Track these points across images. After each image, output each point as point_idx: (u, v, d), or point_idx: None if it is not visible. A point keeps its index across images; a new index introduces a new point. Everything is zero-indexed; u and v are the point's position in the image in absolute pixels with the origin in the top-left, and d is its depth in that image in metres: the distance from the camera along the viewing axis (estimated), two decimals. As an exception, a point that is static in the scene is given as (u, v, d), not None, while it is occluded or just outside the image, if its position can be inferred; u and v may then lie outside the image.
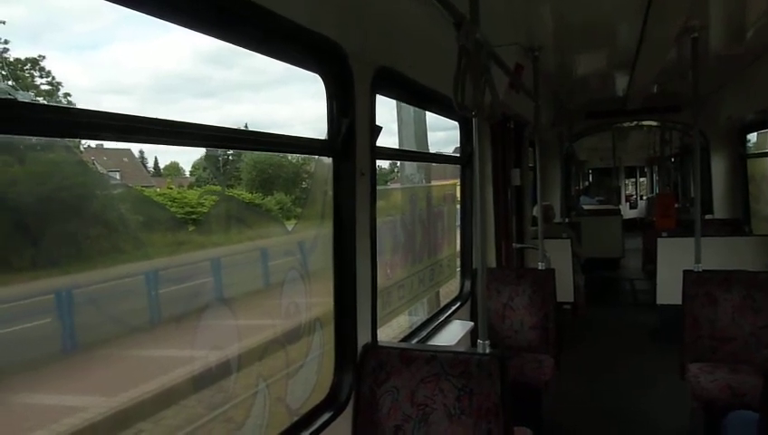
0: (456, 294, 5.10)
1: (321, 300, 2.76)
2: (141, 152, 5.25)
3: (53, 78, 2.89)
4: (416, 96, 3.88)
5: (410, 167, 5.25)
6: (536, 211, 7.42)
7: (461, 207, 5.13)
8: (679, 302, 4.55)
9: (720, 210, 8.64)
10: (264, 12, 1.96)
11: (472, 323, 4.58)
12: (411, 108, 4.93)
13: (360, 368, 2.76)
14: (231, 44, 2.04)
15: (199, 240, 2.33)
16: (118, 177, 4.26)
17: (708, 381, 4.03)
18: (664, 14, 4.07)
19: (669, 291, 5.46)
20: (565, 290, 6.40)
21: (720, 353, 4.31)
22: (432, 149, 5.67)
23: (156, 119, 1.71)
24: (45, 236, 1.75)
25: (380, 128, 2.92)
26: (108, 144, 2.78)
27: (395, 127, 5.11)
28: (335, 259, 2.75)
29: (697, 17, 4.39)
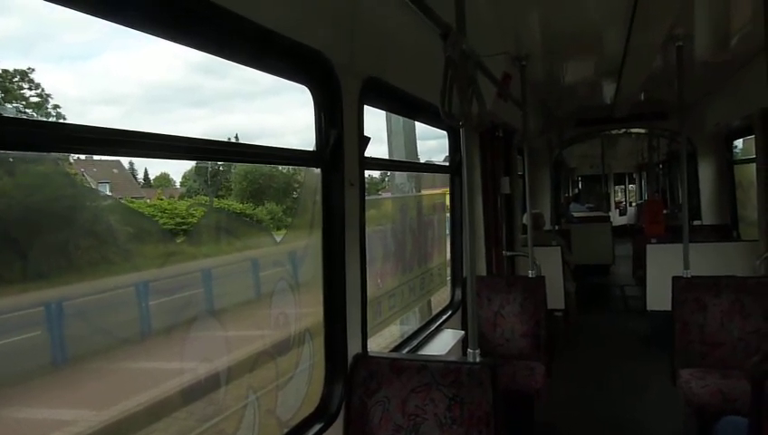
0: (446, 303, 5.10)
1: (310, 310, 2.76)
2: (131, 163, 5.22)
3: (43, 90, 2.87)
4: (404, 106, 3.88)
5: (400, 176, 5.26)
6: (526, 219, 7.45)
7: (451, 216, 5.13)
8: (669, 308, 4.57)
9: (708, 216, 8.67)
10: (248, 24, 1.96)
11: (463, 332, 4.57)
12: (401, 117, 4.94)
13: (351, 378, 2.75)
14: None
15: (189, 251, 2.33)
16: (108, 188, 4.24)
17: (699, 386, 4.03)
18: (648, 23, 4.10)
19: (659, 297, 5.47)
20: (556, 297, 6.41)
21: (710, 359, 4.32)
22: (423, 158, 5.68)
23: (143, 132, 1.71)
24: (34, 248, 1.75)
25: (369, 138, 2.92)
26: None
27: (384, 136, 5.12)
28: (325, 269, 2.74)
29: (682, 25, 4.43)
